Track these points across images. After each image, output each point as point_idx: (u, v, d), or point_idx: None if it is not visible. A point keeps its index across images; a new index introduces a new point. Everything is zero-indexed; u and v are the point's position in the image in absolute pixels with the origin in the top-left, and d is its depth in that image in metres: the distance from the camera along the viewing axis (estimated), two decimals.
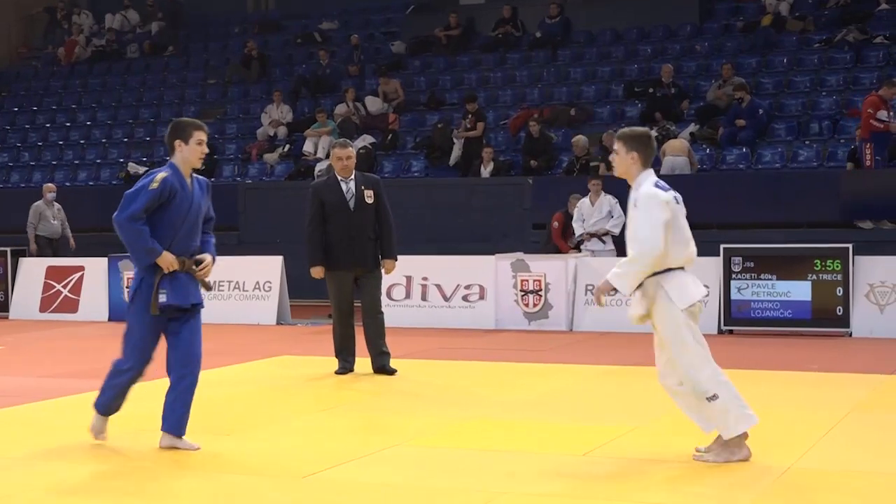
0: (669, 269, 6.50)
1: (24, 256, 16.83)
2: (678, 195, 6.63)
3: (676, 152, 17.22)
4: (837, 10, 20.51)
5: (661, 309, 6.51)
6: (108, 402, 7.14)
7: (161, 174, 6.85)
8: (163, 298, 6.82)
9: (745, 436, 6.58)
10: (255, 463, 6.72)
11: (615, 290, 6.59)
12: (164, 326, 6.94)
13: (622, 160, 6.61)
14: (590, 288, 13.88)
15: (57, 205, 17.77)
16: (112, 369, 7.10)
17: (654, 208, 6.41)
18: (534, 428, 6.78)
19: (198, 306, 7.01)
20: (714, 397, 6.50)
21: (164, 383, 7.00)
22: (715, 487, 6.08)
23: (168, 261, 6.84)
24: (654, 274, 6.49)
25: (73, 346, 13.24)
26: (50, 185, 18.31)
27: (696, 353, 6.52)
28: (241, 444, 7.24)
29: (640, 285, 6.55)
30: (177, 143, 6.93)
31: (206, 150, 7.04)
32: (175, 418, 6.96)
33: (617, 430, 7.50)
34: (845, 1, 20.58)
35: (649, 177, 6.56)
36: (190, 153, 6.92)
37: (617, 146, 6.65)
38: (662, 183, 6.59)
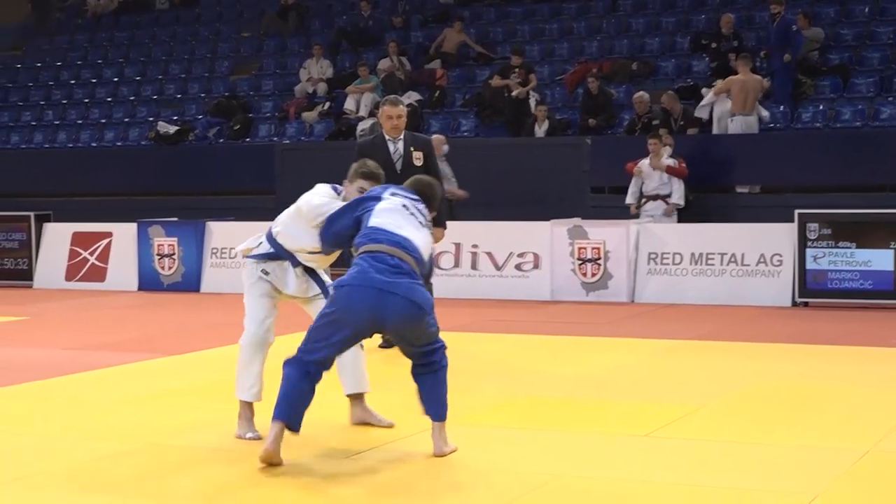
0: None
1: (49, 221, 16.88)
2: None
3: (749, 105, 16.92)
4: None
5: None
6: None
7: None
8: None
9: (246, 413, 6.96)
10: (297, 441, 6.78)
11: None
12: None
13: (350, 193, 7.06)
14: (653, 256, 13.86)
15: None
16: None
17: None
18: (592, 406, 6.79)
19: None
20: None
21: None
22: (790, 471, 6.06)
23: None
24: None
25: (101, 317, 13.41)
26: None
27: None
28: None
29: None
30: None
31: None
32: None
33: (682, 409, 7.50)
34: None
35: None
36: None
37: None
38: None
